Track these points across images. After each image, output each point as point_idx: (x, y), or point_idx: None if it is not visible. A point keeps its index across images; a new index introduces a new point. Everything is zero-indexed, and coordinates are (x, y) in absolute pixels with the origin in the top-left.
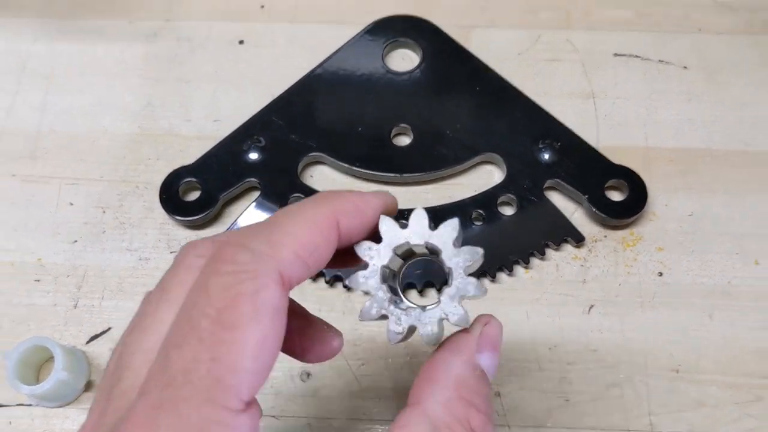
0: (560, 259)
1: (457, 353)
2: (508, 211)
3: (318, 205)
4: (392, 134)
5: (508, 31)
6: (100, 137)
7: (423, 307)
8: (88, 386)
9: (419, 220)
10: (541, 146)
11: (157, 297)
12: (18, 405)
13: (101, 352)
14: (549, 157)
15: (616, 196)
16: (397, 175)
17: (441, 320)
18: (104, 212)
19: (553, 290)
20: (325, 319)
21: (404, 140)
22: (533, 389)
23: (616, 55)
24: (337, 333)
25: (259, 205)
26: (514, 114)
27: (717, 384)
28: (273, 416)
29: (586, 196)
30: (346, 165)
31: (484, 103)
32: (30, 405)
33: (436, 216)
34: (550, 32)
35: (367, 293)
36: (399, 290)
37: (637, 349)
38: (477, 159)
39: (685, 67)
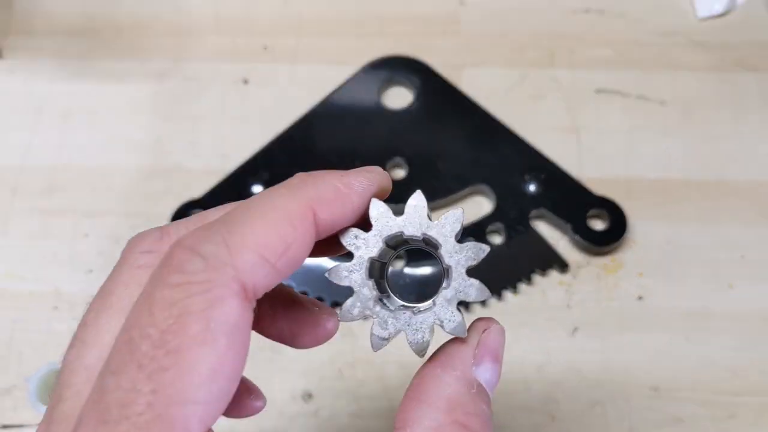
0: (546, 284)
1: (449, 368)
2: (497, 239)
3: (289, 193)
4: (388, 167)
5: (497, 69)
6: (113, 172)
7: (413, 310)
8: None
9: (417, 207)
10: (527, 178)
11: (98, 304)
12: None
13: None
14: (535, 188)
15: (598, 224)
16: (393, 204)
17: (434, 327)
18: (117, 243)
19: (540, 314)
20: (325, 346)
21: (400, 173)
22: (521, 408)
23: (597, 91)
24: (331, 313)
25: None
26: (502, 148)
27: (694, 401)
28: None
29: (570, 225)
30: None
31: (474, 138)
32: None
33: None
34: (536, 70)
35: (350, 289)
36: (386, 285)
37: (618, 369)
38: (467, 190)
39: (662, 103)
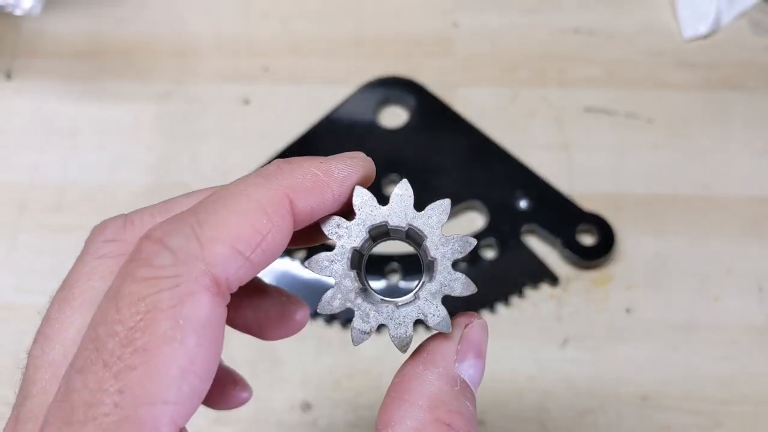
0: (537, 297)
1: (431, 365)
2: (489, 254)
3: (264, 181)
4: (384, 183)
5: (489, 89)
6: (118, 189)
7: (396, 303)
8: None
9: (403, 196)
10: (518, 194)
11: (60, 297)
12: None
13: None
14: (526, 204)
15: (587, 239)
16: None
17: (417, 321)
18: None
19: (532, 326)
20: (324, 357)
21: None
22: (513, 417)
23: (587, 109)
24: (300, 304)
25: None
26: (494, 165)
27: (681, 410)
28: None
29: (560, 240)
30: None
31: (467, 155)
32: None
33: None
34: (527, 90)
35: (331, 280)
36: (364, 277)
37: (608, 379)
38: (461, 206)
39: (650, 121)
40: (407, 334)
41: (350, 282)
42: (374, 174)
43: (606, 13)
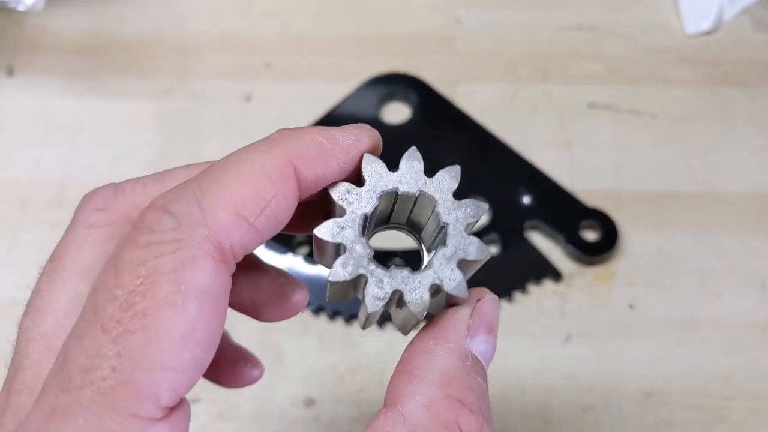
0: (540, 293)
1: (442, 340)
2: (492, 250)
3: (267, 148)
4: None
5: (491, 85)
6: None
7: (410, 270)
8: None
9: (412, 163)
10: (521, 190)
11: (50, 268)
12: None
13: None
14: (529, 200)
15: (590, 235)
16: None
17: (433, 286)
18: None
19: (535, 322)
20: (327, 353)
21: None
22: (517, 412)
23: (589, 106)
24: (299, 286)
25: (266, 245)
26: (497, 161)
27: (684, 406)
28: None
29: (563, 236)
30: None
31: (469, 152)
32: None
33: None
34: (529, 86)
35: (340, 248)
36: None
37: (611, 375)
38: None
39: (652, 117)
40: (423, 299)
41: (362, 248)
42: (381, 145)
43: (608, 10)
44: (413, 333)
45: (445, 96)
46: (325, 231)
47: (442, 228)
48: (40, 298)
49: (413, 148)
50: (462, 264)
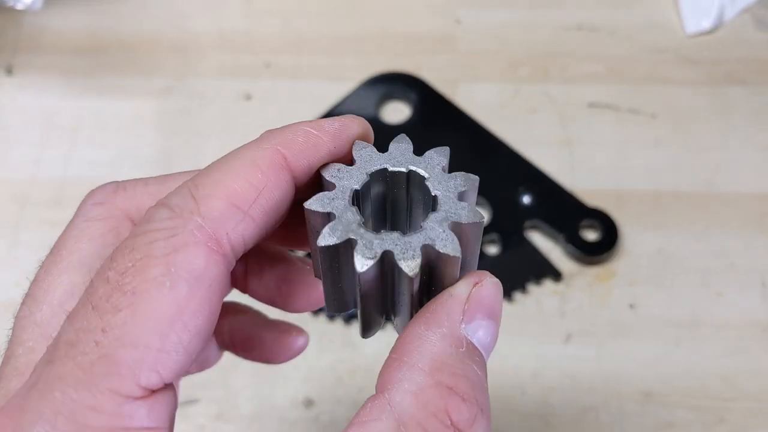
0: (540, 293)
1: (434, 325)
2: (492, 250)
3: (255, 143)
4: None
5: (491, 85)
6: None
7: (400, 233)
8: None
9: (401, 146)
10: (521, 190)
11: (49, 260)
12: None
13: None
14: (529, 200)
15: (590, 235)
16: None
17: (425, 247)
18: None
19: (535, 322)
20: (326, 354)
21: None
22: (517, 413)
23: (589, 105)
24: None
25: None
26: (497, 161)
27: (684, 407)
28: None
29: (563, 236)
30: None
31: (469, 151)
32: None
33: None
34: (529, 86)
35: (330, 217)
36: None
37: (611, 375)
38: None
39: (652, 116)
40: (414, 257)
41: (352, 215)
42: (371, 133)
43: (608, 10)
44: None
45: (445, 95)
46: (314, 202)
47: (434, 199)
48: (36, 288)
49: (402, 135)
50: (454, 228)
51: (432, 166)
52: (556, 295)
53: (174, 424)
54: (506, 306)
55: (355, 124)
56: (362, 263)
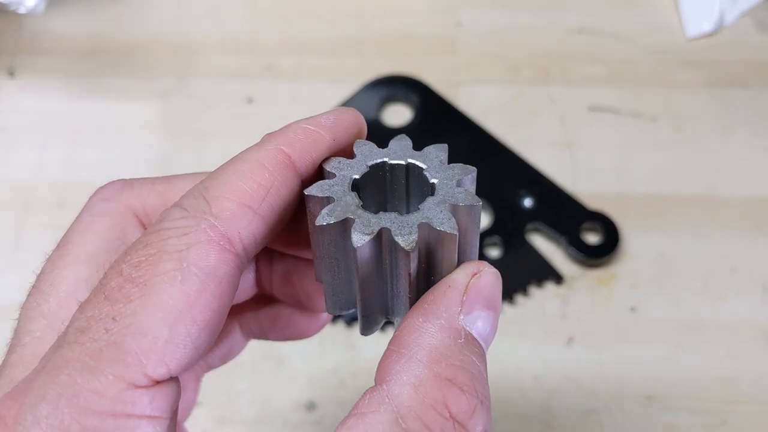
0: (542, 296)
1: (432, 316)
2: (494, 252)
3: (257, 146)
4: None
5: (492, 87)
6: None
7: (398, 213)
8: None
9: (401, 142)
10: (523, 193)
11: (56, 254)
12: None
13: None
14: (530, 203)
15: (592, 238)
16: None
17: (422, 225)
18: None
19: (537, 325)
20: (329, 357)
21: None
22: (519, 416)
23: (591, 108)
24: None
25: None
26: (498, 163)
27: (686, 410)
28: None
29: (565, 239)
30: None
31: (471, 154)
32: None
33: None
34: (531, 88)
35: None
36: None
37: (613, 378)
38: None
39: (654, 119)
40: (411, 234)
41: (351, 199)
42: (365, 126)
43: (610, 13)
44: None
45: (447, 98)
46: (314, 188)
47: (432, 186)
48: (43, 280)
49: (402, 134)
50: (452, 211)
51: (431, 159)
52: (557, 297)
53: (176, 416)
54: (508, 309)
55: (348, 115)
56: (359, 238)
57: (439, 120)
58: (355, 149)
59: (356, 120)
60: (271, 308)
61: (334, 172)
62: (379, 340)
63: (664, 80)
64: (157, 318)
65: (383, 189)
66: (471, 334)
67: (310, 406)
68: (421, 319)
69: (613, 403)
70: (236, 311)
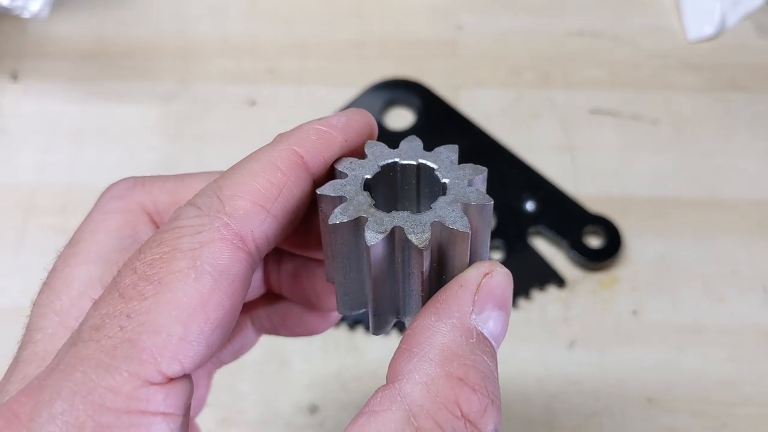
0: (544, 299)
1: (444, 315)
2: (496, 256)
3: (270, 146)
4: None
5: (494, 91)
6: None
7: (410, 212)
8: None
9: (412, 145)
10: (525, 196)
11: (67, 252)
12: None
13: None
14: (532, 206)
15: (593, 241)
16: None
17: (435, 224)
18: None
19: (539, 328)
20: (331, 359)
21: None
22: (521, 419)
23: (592, 111)
24: None
25: None
26: (500, 167)
27: (687, 412)
28: None
29: (567, 242)
30: None
31: (472, 157)
32: None
33: None
34: (532, 91)
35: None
36: None
37: (614, 381)
38: None
39: (655, 122)
40: (424, 232)
41: (363, 198)
42: (375, 127)
43: (610, 16)
44: None
45: (448, 101)
46: (326, 187)
47: (443, 186)
48: (54, 278)
49: (413, 135)
50: (464, 210)
51: (441, 160)
52: (559, 301)
53: (189, 413)
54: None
55: (360, 117)
56: (372, 236)
57: (441, 123)
58: (366, 150)
59: (367, 121)
60: (282, 305)
61: (346, 172)
62: (383, 345)
63: (665, 83)
64: (171, 315)
65: (394, 189)
66: (482, 334)
67: (313, 409)
68: (433, 318)
69: (615, 405)
70: (248, 307)
